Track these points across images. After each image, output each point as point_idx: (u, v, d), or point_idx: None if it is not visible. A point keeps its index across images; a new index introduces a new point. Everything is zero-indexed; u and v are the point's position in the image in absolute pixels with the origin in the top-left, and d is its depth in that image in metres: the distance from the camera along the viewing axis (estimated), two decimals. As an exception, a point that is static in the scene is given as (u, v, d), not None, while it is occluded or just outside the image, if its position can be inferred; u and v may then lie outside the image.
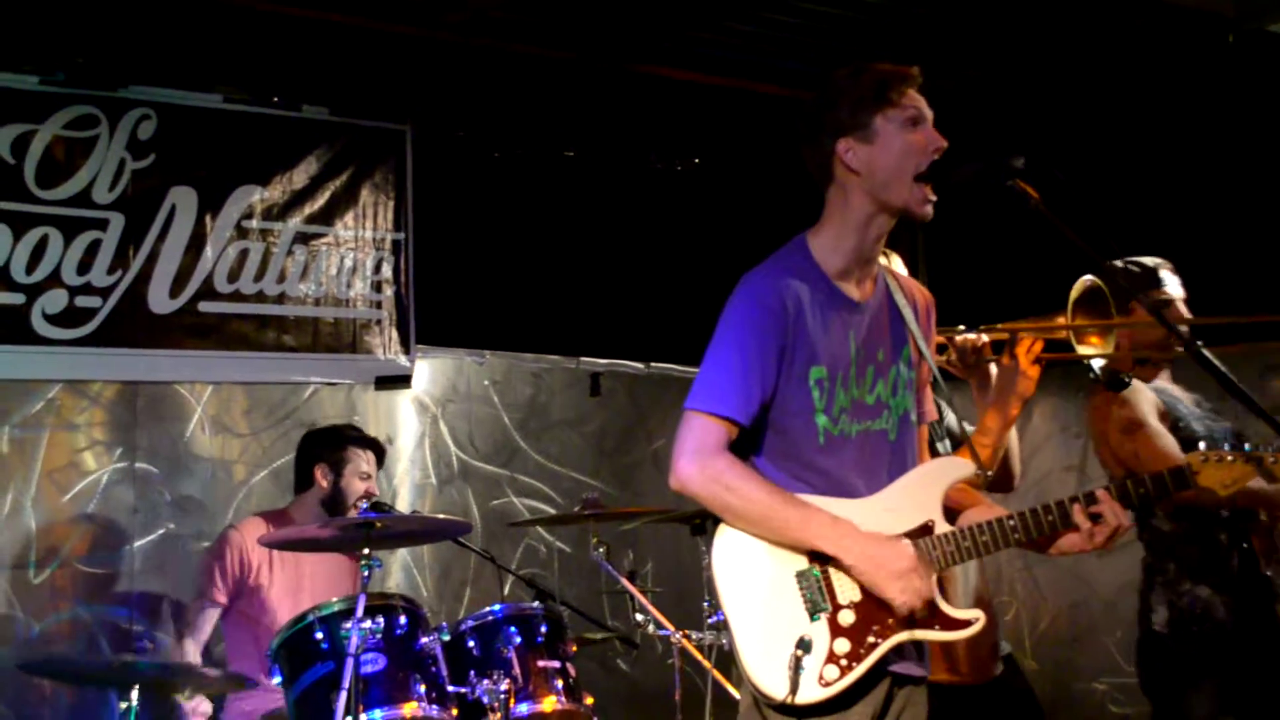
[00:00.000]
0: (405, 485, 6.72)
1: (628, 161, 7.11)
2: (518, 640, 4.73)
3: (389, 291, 6.55)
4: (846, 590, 3.14)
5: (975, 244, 7.13)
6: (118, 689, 4.53)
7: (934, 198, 3.23)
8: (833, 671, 3.08)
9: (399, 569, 6.58)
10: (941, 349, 4.14)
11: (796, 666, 3.04)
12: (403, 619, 4.60)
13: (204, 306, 6.09)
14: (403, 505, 6.55)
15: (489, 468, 6.92)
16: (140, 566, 5.95)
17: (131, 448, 6.02)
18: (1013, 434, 4.25)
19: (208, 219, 6.11)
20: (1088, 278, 4.17)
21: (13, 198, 5.71)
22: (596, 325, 7.04)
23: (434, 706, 4.51)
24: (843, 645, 3.10)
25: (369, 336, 6.49)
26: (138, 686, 4.49)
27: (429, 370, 6.81)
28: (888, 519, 3.18)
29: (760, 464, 3.23)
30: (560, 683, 4.73)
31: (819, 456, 3.21)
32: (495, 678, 4.56)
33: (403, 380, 6.61)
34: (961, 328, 4.19)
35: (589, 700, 4.80)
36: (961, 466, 3.34)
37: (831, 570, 3.15)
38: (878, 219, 3.27)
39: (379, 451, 5.77)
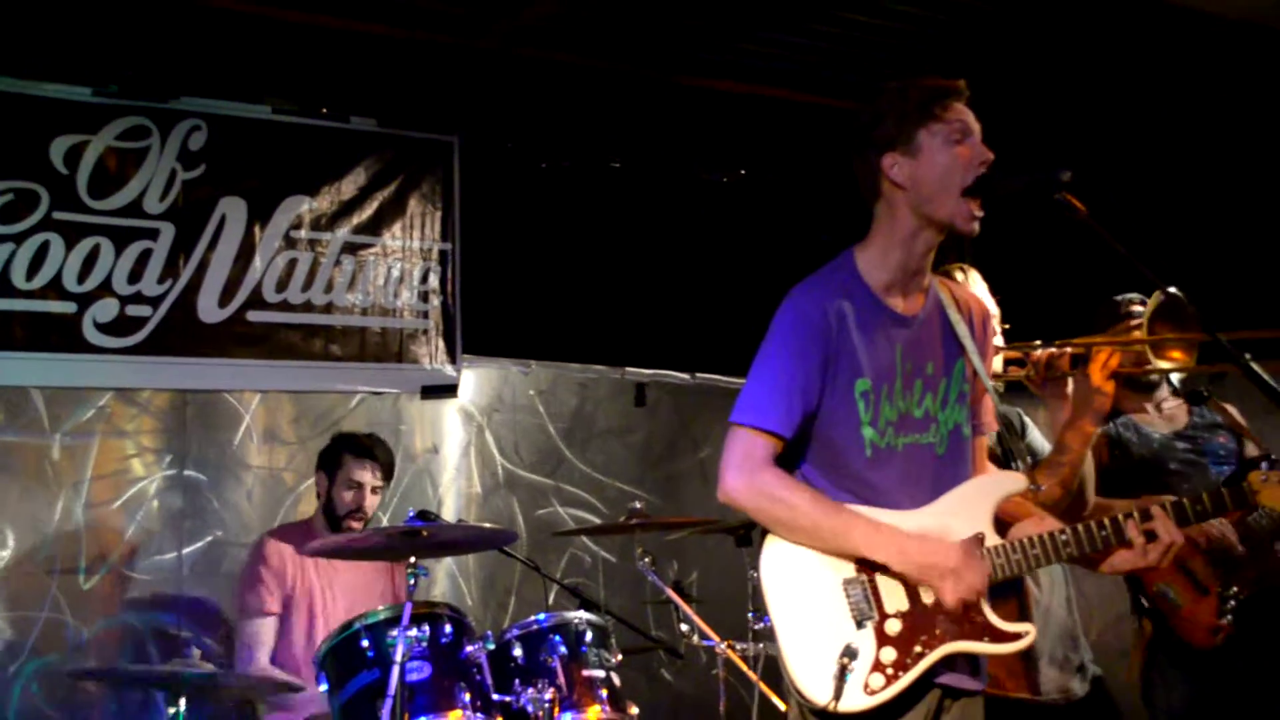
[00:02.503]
0: (451, 494, 6.72)
1: (674, 172, 7.12)
2: (562, 649, 4.71)
3: (436, 301, 6.58)
4: (894, 599, 3.14)
5: (1021, 257, 7.11)
6: (166, 695, 4.56)
7: (980, 213, 3.22)
8: (878, 680, 3.07)
9: (444, 577, 6.58)
10: (1019, 364, 4.12)
11: (842, 674, 3.04)
12: (448, 627, 4.58)
13: (252, 316, 6.13)
14: (448, 514, 6.54)
15: (534, 477, 6.92)
16: (189, 573, 5.99)
17: (181, 455, 6.06)
18: (1087, 455, 4.20)
19: (257, 229, 6.15)
20: (1168, 289, 4.10)
21: (66, 208, 5.78)
22: (642, 336, 7.04)
23: (479, 715, 4.48)
24: (889, 654, 3.09)
25: (415, 346, 6.52)
26: (185, 693, 4.50)
27: (475, 380, 6.82)
28: (937, 531, 3.17)
29: (807, 474, 3.24)
30: (604, 692, 4.70)
31: (865, 469, 3.21)
32: (540, 686, 4.55)
33: (449, 390, 6.62)
34: (1038, 343, 4.15)
35: (633, 710, 4.78)
36: (1014, 481, 3.33)
37: (879, 579, 3.15)
38: (924, 234, 3.26)
39: (380, 460, 5.66)
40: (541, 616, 4.85)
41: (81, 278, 5.78)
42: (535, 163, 6.83)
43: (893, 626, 3.12)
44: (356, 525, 5.49)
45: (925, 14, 6.33)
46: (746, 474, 3.17)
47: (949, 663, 3.15)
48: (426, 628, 4.45)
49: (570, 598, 5.72)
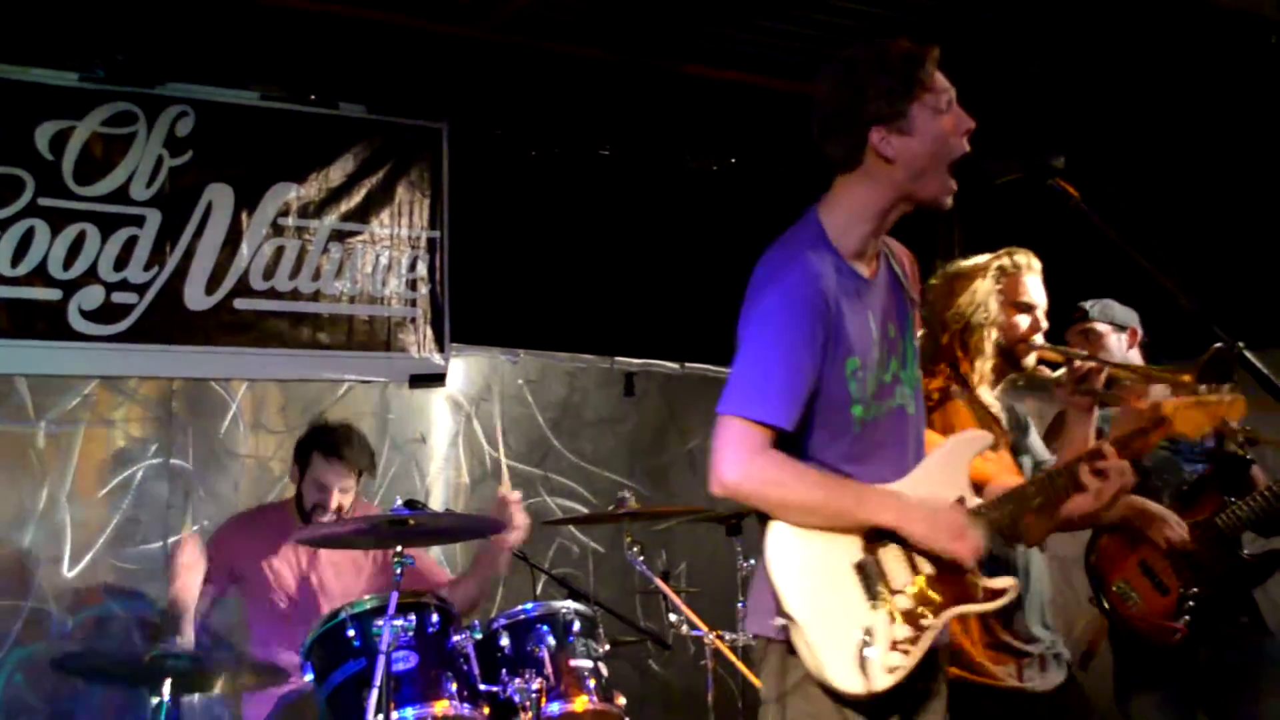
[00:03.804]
0: (439, 484, 6.72)
1: (664, 160, 7.11)
2: (550, 639, 4.72)
3: (424, 290, 6.57)
4: (900, 575, 3.12)
5: (1016, 242, 7.11)
6: (150, 684, 4.53)
7: (955, 186, 3.20)
8: (896, 658, 3.06)
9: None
10: (1055, 366, 4.11)
11: (864, 658, 3.03)
12: (435, 617, 4.60)
13: (239, 304, 6.12)
14: (436, 503, 6.54)
15: (523, 467, 6.89)
16: None
17: (167, 444, 6.05)
18: None
19: (244, 216, 6.14)
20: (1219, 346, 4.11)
21: (51, 194, 5.76)
22: (631, 325, 7.03)
23: (465, 705, 4.50)
24: (902, 630, 3.09)
25: (403, 334, 6.51)
26: (169, 681, 4.48)
27: (463, 369, 6.82)
28: (930, 497, 3.19)
29: (798, 455, 3.17)
30: (592, 682, 4.71)
31: (854, 445, 3.18)
32: (527, 677, 4.55)
33: (437, 379, 6.62)
34: (1085, 353, 4.18)
35: (621, 700, 4.78)
36: (980, 439, 3.37)
37: (883, 555, 3.13)
38: (900, 206, 3.23)
39: (350, 461, 5.44)
40: (529, 606, 4.86)
41: (67, 265, 5.76)
42: (524, 150, 6.81)
43: (901, 602, 3.11)
44: (327, 520, 5.36)
45: (919, 2, 6.33)
46: (744, 465, 3.07)
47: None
48: (413, 617, 4.47)
49: (558, 587, 5.72)
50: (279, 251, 6.22)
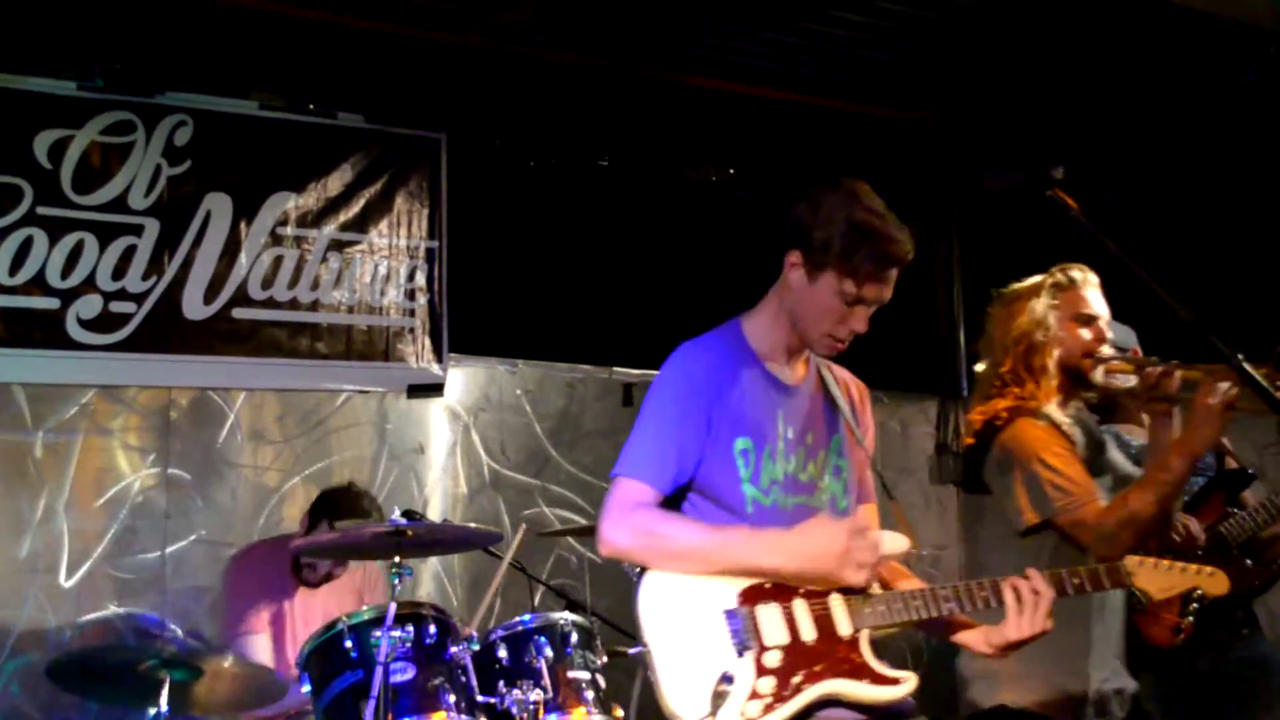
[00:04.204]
0: (436, 494, 6.72)
1: (662, 171, 7.13)
2: (547, 651, 4.69)
3: (422, 300, 6.58)
4: (774, 632, 3.14)
5: (1014, 256, 7.11)
6: (146, 695, 4.52)
7: (841, 348, 3.30)
8: (755, 708, 3.06)
9: (429, 578, 6.58)
10: (1125, 378, 4.06)
11: (718, 698, 3.05)
12: (432, 628, 4.56)
13: (238, 313, 6.13)
14: (433, 514, 6.52)
15: (521, 477, 6.92)
16: (172, 572, 5.98)
17: (164, 454, 6.06)
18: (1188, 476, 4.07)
19: (242, 225, 6.15)
20: None
21: (49, 203, 5.78)
22: (629, 335, 7.02)
23: (463, 716, 4.46)
24: (767, 684, 3.09)
25: (402, 344, 6.51)
26: (166, 690, 4.46)
27: (461, 379, 6.82)
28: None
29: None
30: (590, 694, 4.68)
31: (748, 524, 3.23)
32: (525, 688, 4.53)
33: (435, 389, 6.62)
34: (1155, 359, 4.08)
35: (618, 712, 4.76)
36: (898, 541, 3.33)
37: (760, 610, 3.15)
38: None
39: None
40: (527, 617, 4.82)
41: (65, 273, 5.78)
42: (523, 160, 6.83)
43: (772, 659, 3.12)
44: (315, 580, 5.40)
45: (914, 13, 6.33)
46: (621, 518, 3.20)
47: (833, 704, 3.14)
48: (411, 628, 4.44)
49: (556, 599, 5.71)
50: (277, 261, 6.23)
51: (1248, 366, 3.24)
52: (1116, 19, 6.33)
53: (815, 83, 7.02)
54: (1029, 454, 3.87)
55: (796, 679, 3.09)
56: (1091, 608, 3.92)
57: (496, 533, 5.17)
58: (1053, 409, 4.00)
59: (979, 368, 4.26)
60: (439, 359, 6.59)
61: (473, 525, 5.94)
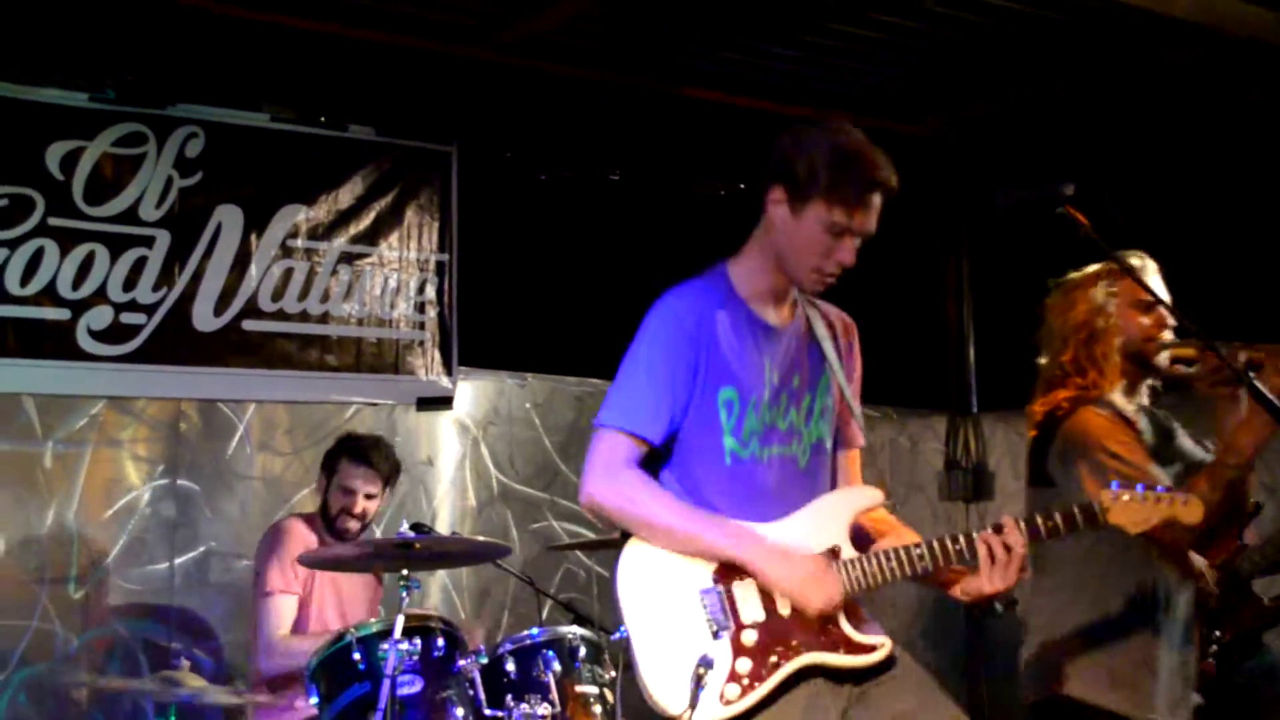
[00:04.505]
0: (445, 507, 6.75)
1: (671, 185, 7.13)
2: (555, 664, 4.71)
3: (432, 312, 6.60)
4: (750, 609, 3.14)
5: (1023, 269, 7.12)
6: (154, 705, 4.57)
7: (831, 282, 3.26)
8: (734, 690, 3.07)
9: (437, 590, 6.61)
10: (1189, 362, 3.95)
11: (698, 684, 3.04)
12: (440, 641, 4.59)
13: (248, 325, 6.14)
14: (442, 527, 6.57)
15: (529, 490, 6.94)
16: (180, 583, 6.01)
17: (174, 465, 6.09)
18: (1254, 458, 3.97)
19: (253, 237, 6.17)
20: None
21: (61, 214, 5.79)
22: (639, 349, 7.03)
23: (470, 729, 4.51)
24: (745, 665, 3.09)
25: (411, 357, 6.54)
26: (175, 705, 4.54)
27: (471, 392, 6.85)
28: (793, 544, 3.18)
29: (667, 480, 3.25)
30: (598, 708, 4.71)
31: (724, 478, 3.23)
32: (532, 702, 4.55)
33: (444, 401, 6.65)
34: (1219, 343, 3.94)
35: (626, 728, 4.78)
36: (870, 495, 3.35)
37: (735, 588, 3.16)
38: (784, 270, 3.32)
39: (377, 468, 5.54)
40: (535, 631, 4.86)
41: (76, 284, 5.79)
42: (533, 174, 6.84)
43: (749, 637, 3.12)
44: (352, 525, 5.43)
45: (916, 27, 6.35)
46: (607, 476, 3.19)
47: (810, 674, 3.14)
48: (419, 641, 4.46)
49: (564, 612, 5.72)
50: (288, 273, 6.25)
51: (1253, 378, 3.26)
52: (1129, 37, 6.36)
53: (822, 97, 7.03)
54: (1093, 443, 3.78)
55: (774, 656, 3.10)
56: (1158, 604, 3.86)
57: (505, 546, 5.17)
58: (1116, 397, 3.94)
59: (1040, 361, 4.14)
60: (448, 372, 6.61)
61: (481, 538, 5.95)
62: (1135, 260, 3.96)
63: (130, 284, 5.89)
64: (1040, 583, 3.91)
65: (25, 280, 5.70)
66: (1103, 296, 3.98)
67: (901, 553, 3.17)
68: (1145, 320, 3.97)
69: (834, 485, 3.40)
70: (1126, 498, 3.20)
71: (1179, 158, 6.88)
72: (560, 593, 6.49)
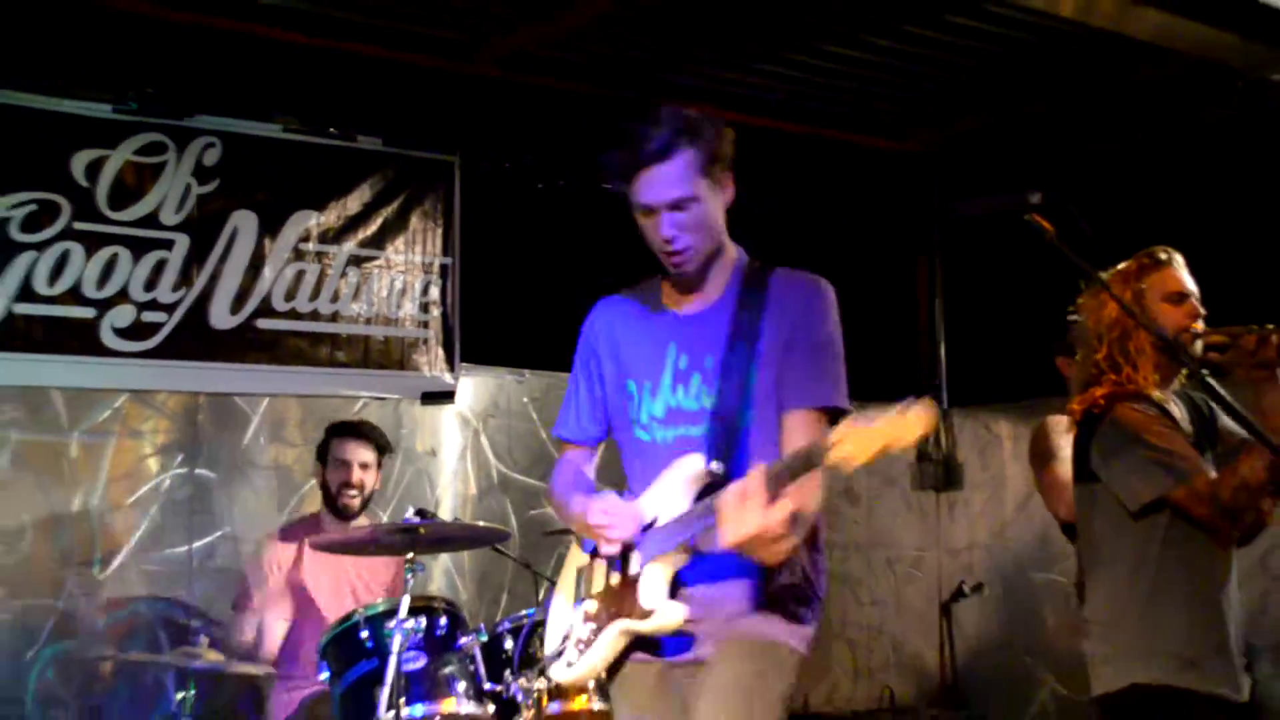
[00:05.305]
0: (448, 495, 6.80)
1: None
2: (550, 642, 4.86)
3: (436, 313, 6.68)
4: (597, 582, 3.29)
5: (992, 276, 7.33)
6: (176, 678, 4.73)
7: (681, 260, 3.22)
8: (573, 654, 3.28)
9: (440, 573, 6.66)
10: (1223, 349, 3.82)
11: (560, 649, 3.31)
12: (443, 620, 4.71)
13: (262, 323, 6.26)
14: (445, 513, 6.60)
15: (527, 479, 7.01)
16: (198, 566, 6.07)
17: (192, 455, 6.15)
18: None
19: (267, 241, 6.27)
20: None
21: (86, 218, 5.89)
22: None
23: (471, 703, 4.62)
24: (584, 630, 3.26)
25: (416, 355, 6.64)
26: (194, 678, 4.69)
27: (472, 387, 6.92)
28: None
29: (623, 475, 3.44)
30: (591, 683, 4.68)
31: (637, 462, 3.33)
32: (529, 677, 4.66)
33: (447, 396, 6.73)
34: (1252, 326, 3.82)
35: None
36: (692, 463, 3.15)
37: (594, 564, 3.32)
38: None
39: (368, 437, 5.66)
40: (532, 610, 4.96)
41: (100, 285, 5.90)
42: (532, 182, 6.90)
43: (590, 606, 3.28)
44: (353, 502, 5.53)
45: (907, 49, 6.46)
46: (552, 475, 3.47)
47: (638, 645, 3.21)
48: (423, 620, 4.58)
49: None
50: (300, 275, 6.37)
51: (1213, 381, 3.40)
52: (1097, 57, 6.44)
53: (815, 115, 7.13)
54: (1132, 436, 3.70)
55: (599, 624, 3.22)
56: (1218, 580, 3.75)
57: (504, 531, 5.22)
58: (1152, 390, 3.84)
59: (1076, 359, 4.07)
60: (451, 368, 6.71)
61: (481, 524, 5.95)
62: (1162, 254, 3.95)
63: (151, 284, 6.00)
64: (1098, 575, 3.85)
65: (53, 281, 5.79)
66: (1134, 293, 3.87)
67: (687, 514, 3.09)
68: (1177, 311, 3.89)
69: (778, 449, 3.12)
70: (855, 430, 2.75)
71: (1145, 170, 6.96)
72: (555, 575, 6.57)
